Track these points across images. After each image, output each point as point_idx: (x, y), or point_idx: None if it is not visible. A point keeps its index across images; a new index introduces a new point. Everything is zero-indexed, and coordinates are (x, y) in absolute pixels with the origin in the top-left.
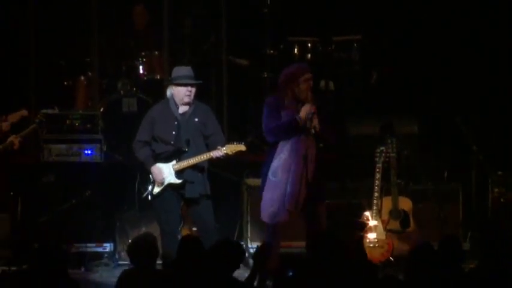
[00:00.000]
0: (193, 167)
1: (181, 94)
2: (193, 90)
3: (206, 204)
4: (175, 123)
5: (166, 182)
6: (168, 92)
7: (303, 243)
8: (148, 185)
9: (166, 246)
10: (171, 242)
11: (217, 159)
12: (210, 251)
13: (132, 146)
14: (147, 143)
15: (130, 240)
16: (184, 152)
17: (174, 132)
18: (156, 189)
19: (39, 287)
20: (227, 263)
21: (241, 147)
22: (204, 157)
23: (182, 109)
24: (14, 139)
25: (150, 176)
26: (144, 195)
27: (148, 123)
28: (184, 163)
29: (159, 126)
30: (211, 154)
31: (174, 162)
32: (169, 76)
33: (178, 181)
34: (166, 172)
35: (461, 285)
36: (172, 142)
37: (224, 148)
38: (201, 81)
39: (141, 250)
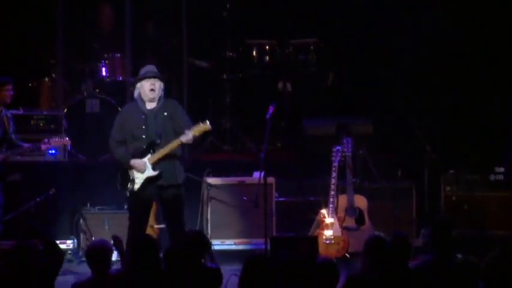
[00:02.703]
0: (167, 157)
1: (145, 89)
2: (157, 84)
3: (176, 192)
4: (143, 117)
5: (144, 176)
6: (136, 92)
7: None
8: (128, 183)
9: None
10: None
11: (188, 143)
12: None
13: (100, 146)
14: (121, 143)
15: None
16: (157, 144)
17: (143, 127)
18: (137, 185)
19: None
20: (196, 251)
21: (206, 127)
22: (174, 144)
23: (150, 105)
24: None
25: (133, 171)
26: (128, 193)
27: (118, 123)
28: (159, 154)
29: (128, 123)
30: (181, 139)
31: (148, 156)
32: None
33: (155, 173)
34: (145, 165)
35: (411, 279)
36: (143, 136)
37: (191, 131)
38: (162, 75)
39: (97, 255)
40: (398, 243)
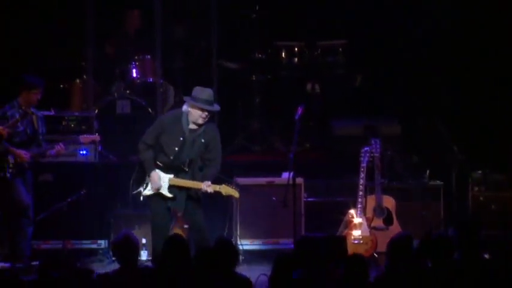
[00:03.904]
0: (184, 187)
1: (196, 116)
2: (209, 114)
3: (197, 209)
4: (181, 139)
5: (159, 191)
6: (185, 106)
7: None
8: (141, 185)
9: (155, 244)
10: (160, 240)
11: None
12: (209, 250)
13: (130, 147)
14: (151, 146)
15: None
16: (183, 171)
17: (176, 149)
18: (147, 192)
19: None
20: (226, 261)
21: (235, 194)
22: (196, 185)
23: (192, 126)
24: (1, 130)
25: (147, 177)
26: (135, 192)
27: (156, 131)
28: (181, 182)
29: (165, 136)
30: (203, 187)
31: (171, 176)
32: (189, 95)
33: (169, 195)
34: (163, 182)
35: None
36: (172, 157)
37: (219, 187)
38: (218, 109)
39: (124, 248)
40: (426, 243)
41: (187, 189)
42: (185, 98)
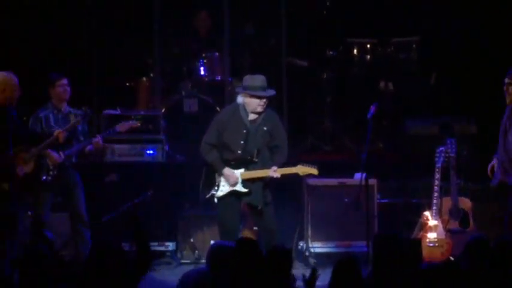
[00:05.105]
0: (258, 178)
1: (253, 105)
2: (267, 100)
3: (267, 210)
4: (244, 131)
5: (231, 188)
6: (239, 98)
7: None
8: (212, 187)
9: None
10: None
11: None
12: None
13: (198, 147)
14: (215, 146)
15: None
16: (253, 162)
17: (242, 142)
18: (220, 193)
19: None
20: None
21: (314, 171)
22: (266, 173)
23: (252, 116)
24: (59, 133)
25: (221, 178)
26: (208, 196)
27: (216, 128)
28: (252, 174)
29: (227, 132)
30: (271, 173)
31: (242, 170)
32: (241, 84)
33: (244, 190)
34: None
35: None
36: (239, 152)
37: (295, 168)
38: (274, 93)
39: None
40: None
41: (261, 180)
42: (237, 89)
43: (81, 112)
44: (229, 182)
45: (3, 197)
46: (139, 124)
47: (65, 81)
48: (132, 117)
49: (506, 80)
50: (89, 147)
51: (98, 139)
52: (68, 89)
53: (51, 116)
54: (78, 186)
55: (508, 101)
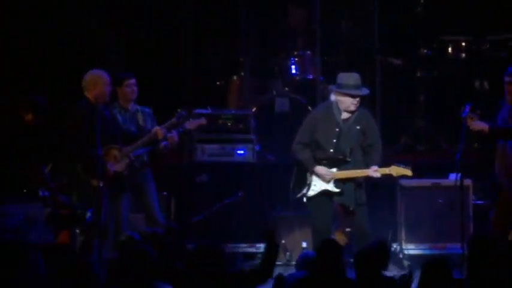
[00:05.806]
0: (349, 179)
1: (347, 103)
2: (360, 99)
3: (360, 211)
4: (337, 130)
5: (323, 187)
6: (332, 96)
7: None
8: (303, 187)
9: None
10: None
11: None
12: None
13: (291, 147)
14: (307, 145)
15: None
16: (346, 161)
17: (334, 140)
18: (311, 193)
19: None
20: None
21: (408, 172)
22: (363, 174)
23: (345, 115)
24: (158, 130)
25: (312, 177)
26: (298, 196)
27: (309, 127)
28: (346, 173)
29: (320, 131)
30: (369, 173)
31: (335, 170)
32: (335, 82)
33: (336, 190)
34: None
35: None
36: (331, 150)
37: (389, 169)
38: (368, 92)
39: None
40: None
41: (353, 181)
42: (331, 87)
43: (149, 109)
44: (324, 179)
45: (94, 194)
46: (205, 122)
47: (133, 80)
48: (222, 116)
49: (507, 79)
50: (164, 143)
51: (173, 134)
52: (136, 89)
53: (118, 116)
54: (154, 186)
55: (508, 100)
